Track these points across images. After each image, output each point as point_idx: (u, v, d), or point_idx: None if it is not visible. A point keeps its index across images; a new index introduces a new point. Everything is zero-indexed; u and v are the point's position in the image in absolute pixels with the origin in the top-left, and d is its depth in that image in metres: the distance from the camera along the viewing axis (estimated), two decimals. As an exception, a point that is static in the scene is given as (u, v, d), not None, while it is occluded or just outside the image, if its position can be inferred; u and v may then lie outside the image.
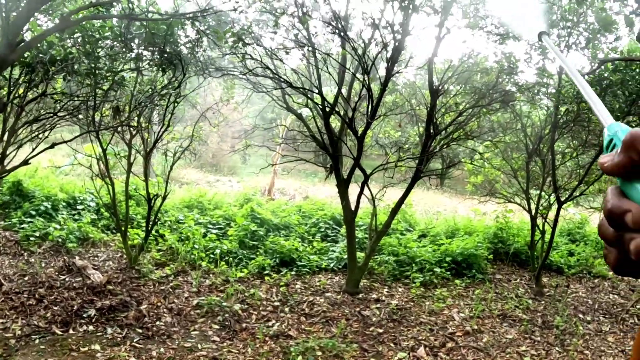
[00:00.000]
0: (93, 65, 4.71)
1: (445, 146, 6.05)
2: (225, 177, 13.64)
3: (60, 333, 3.77)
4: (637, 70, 5.62)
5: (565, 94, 6.02)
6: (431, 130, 5.50)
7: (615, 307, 6.16)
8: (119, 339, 3.78)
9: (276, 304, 4.83)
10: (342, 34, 4.87)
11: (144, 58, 5.12)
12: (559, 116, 6.29)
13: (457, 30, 5.96)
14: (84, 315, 4.05)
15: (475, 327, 4.86)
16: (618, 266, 0.44)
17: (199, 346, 3.83)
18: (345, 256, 5.82)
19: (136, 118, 5.28)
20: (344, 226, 6.47)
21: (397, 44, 4.83)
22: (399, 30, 4.78)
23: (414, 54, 6.40)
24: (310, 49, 4.98)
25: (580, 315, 5.67)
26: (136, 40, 4.93)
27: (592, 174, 6.43)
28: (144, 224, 5.75)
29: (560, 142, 7.14)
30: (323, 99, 4.98)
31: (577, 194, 6.43)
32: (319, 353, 3.89)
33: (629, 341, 5.07)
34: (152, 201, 5.29)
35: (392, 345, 4.28)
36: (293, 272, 5.72)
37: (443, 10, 5.21)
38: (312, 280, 5.61)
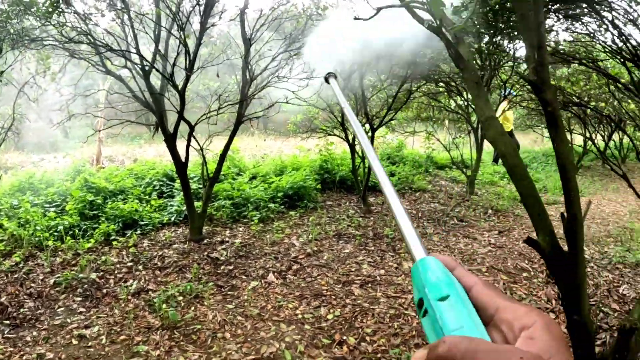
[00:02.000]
0: None
1: (261, 90, 6.66)
2: (49, 154, 13.03)
3: None
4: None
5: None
6: (247, 77, 6.07)
7: (436, 213, 7.44)
8: (-12, 335, 3.88)
9: (129, 264, 5.13)
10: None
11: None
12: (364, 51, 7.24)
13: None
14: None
15: (315, 248, 5.67)
16: None
17: (68, 320, 4.05)
18: (184, 207, 6.28)
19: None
20: (178, 180, 6.92)
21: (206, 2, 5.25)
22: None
23: (226, 7, 6.81)
24: (124, 9, 5.17)
25: (406, 224, 6.81)
26: None
27: (398, 102, 7.55)
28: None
29: (371, 76, 8.17)
30: (142, 57, 5.26)
31: (387, 120, 7.52)
32: (180, 298, 4.38)
33: (452, 238, 6.29)
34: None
35: (243, 277, 4.89)
36: (138, 232, 5.99)
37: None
38: (158, 236, 5.95)
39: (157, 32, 5.40)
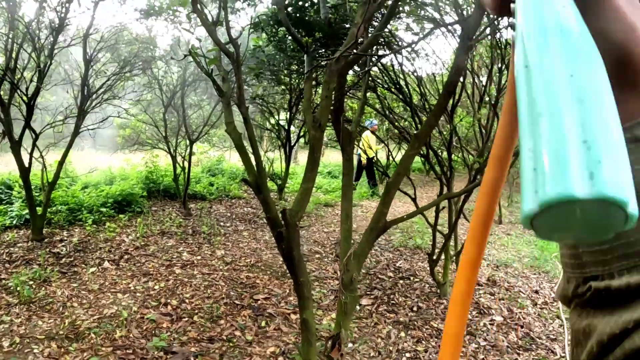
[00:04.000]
0: None
1: (97, 105, 7.97)
2: None
3: None
4: None
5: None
6: (85, 93, 7.36)
7: (248, 215, 9.32)
8: None
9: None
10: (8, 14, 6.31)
11: None
12: (188, 77, 8.93)
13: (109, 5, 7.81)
14: None
15: (143, 243, 7.09)
16: None
17: None
18: (24, 212, 7.29)
19: None
20: (15, 188, 7.92)
21: (59, 23, 6.51)
22: (62, 10, 6.49)
23: (76, 30, 8.01)
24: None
25: (222, 223, 8.58)
26: None
27: (213, 119, 9.38)
28: None
29: (193, 95, 9.86)
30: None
31: (204, 134, 9.25)
32: (31, 282, 5.48)
33: (260, 234, 8.11)
34: None
35: (83, 265, 6.15)
36: (-17, 235, 6.87)
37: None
38: (3, 237, 6.84)
39: (9, 47, 6.44)
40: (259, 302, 5.35)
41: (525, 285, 6.62)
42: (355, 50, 2.92)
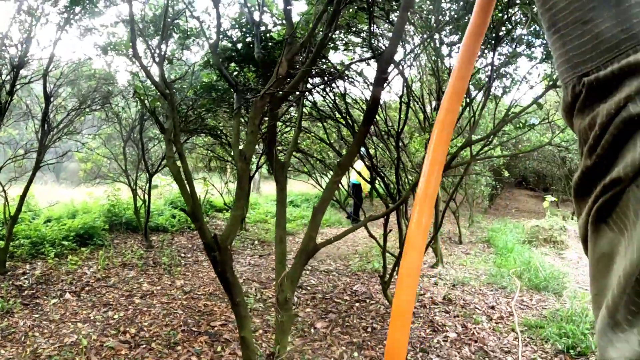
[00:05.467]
0: None
1: (57, 140, 8.28)
2: None
3: None
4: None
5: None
6: (46, 127, 7.67)
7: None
8: None
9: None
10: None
11: None
12: (146, 111, 9.32)
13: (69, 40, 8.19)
14: None
15: (104, 275, 7.35)
16: None
17: None
18: (-14, 245, 7.55)
19: None
20: (-26, 223, 8.15)
21: (19, 61, 6.86)
22: (21, 49, 6.84)
23: (38, 64, 8.34)
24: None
25: (182, 254, 8.91)
26: None
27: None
28: None
29: (153, 129, 10.22)
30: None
31: (162, 167, 9.60)
32: None
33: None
34: None
35: (45, 297, 6.37)
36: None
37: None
38: None
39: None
40: (216, 328, 5.66)
41: (482, 302, 7.01)
42: (280, 87, 3.30)
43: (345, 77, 6.27)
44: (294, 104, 5.87)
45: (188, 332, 5.52)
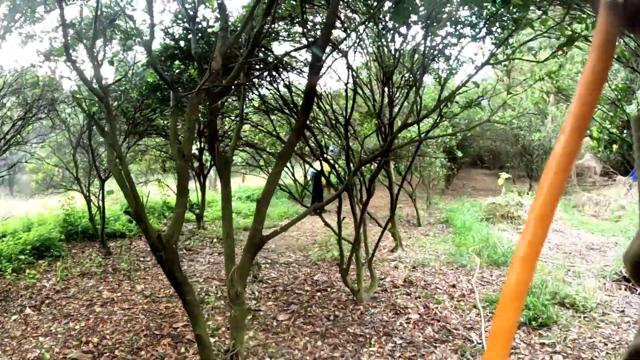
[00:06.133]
0: None
1: (6, 151, 8.15)
2: None
3: None
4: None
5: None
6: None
7: None
8: None
9: None
10: None
11: None
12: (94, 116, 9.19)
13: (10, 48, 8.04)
14: None
15: (63, 286, 7.25)
16: None
17: None
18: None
19: None
20: None
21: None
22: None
23: None
24: None
25: (142, 258, 8.85)
26: None
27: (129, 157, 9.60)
28: None
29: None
30: None
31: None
32: None
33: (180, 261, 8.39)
34: None
35: (5, 314, 6.21)
36: None
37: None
38: None
39: None
40: (178, 329, 5.65)
41: (443, 282, 7.14)
42: (217, 81, 3.30)
43: (291, 68, 6.29)
44: (237, 99, 5.86)
45: (151, 336, 5.50)
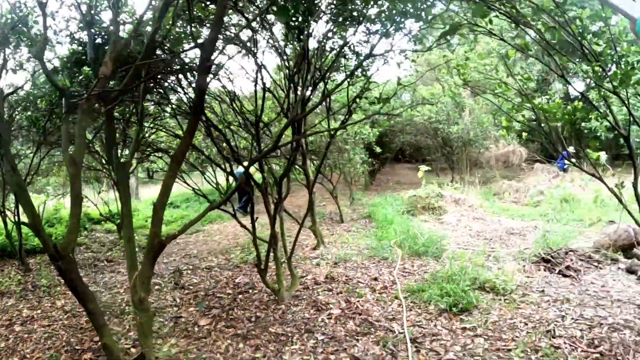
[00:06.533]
0: None
1: None
2: None
3: None
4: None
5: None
6: None
7: (89, 260, 9.54)
8: None
9: None
10: None
11: None
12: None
13: None
14: None
15: (-17, 308, 7.11)
16: None
17: None
18: None
19: None
20: None
21: None
22: None
23: None
24: None
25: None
26: None
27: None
28: None
29: (17, 145, 9.81)
30: None
31: (28, 185, 9.26)
32: None
33: (100, 277, 8.31)
34: None
35: None
36: None
37: None
38: None
39: None
40: (99, 343, 5.57)
41: (365, 275, 7.32)
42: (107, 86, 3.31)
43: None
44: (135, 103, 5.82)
45: (72, 351, 5.44)
